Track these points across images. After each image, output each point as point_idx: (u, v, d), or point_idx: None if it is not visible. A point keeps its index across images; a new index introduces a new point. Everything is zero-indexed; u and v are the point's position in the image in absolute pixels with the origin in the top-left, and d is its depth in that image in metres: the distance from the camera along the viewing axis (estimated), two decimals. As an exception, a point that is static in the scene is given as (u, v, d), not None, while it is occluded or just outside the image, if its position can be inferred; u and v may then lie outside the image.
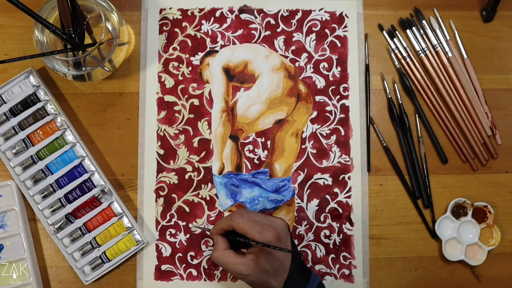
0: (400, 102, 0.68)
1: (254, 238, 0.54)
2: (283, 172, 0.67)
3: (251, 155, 0.67)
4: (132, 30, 0.68)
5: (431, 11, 0.70)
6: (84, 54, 0.60)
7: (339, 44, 0.69)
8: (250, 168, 0.67)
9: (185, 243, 0.66)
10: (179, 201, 0.66)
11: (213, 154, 0.67)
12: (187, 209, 0.66)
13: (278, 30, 0.69)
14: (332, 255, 0.66)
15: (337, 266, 0.66)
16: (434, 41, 0.69)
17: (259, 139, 0.67)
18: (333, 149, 0.68)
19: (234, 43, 0.68)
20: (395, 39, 0.69)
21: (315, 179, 0.67)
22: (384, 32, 0.70)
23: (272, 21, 0.69)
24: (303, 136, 0.68)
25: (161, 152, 0.67)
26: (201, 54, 0.68)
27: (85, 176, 0.64)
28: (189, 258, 0.66)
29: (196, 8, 0.69)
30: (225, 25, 0.68)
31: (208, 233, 0.66)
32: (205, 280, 0.66)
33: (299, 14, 0.69)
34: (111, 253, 0.64)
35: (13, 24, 0.67)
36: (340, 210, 0.67)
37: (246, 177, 0.67)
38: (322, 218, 0.67)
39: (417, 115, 0.69)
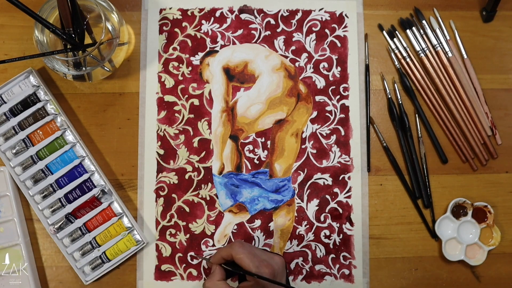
0: (400, 102, 0.68)
1: (251, 271, 0.53)
2: (283, 172, 0.67)
3: (251, 155, 0.67)
4: (132, 30, 0.68)
5: (431, 11, 0.70)
6: (84, 54, 0.60)
7: (339, 44, 0.69)
8: (250, 168, 0.67)
9: (185, 243, 0.66)
10: (179, 201, 0.66)
11: (213, 154, 0.67)
12: (187, 209, 0.66)
13: (278, 30, 0.69)
14: (332, 255, 0.66)
15: (337, 266, 0.66)
16: (434, 41, 0.69)
17: (259, 139, 0.67)
18: (333, 149, 0.68)
19: (234, 43, 0.68)
20: (395, 39, 0.69)
21: (315, 179, 0.67)
22: (384, 32, 0.69)
23: (272, 21, 0.69)
24: (303, 136, 0.68)
25: (161, 152, 0.67)
26: (201, 54, 0.68)
27: (85, 176, 0.64)
28: (189, 258, 0.66)
29: (196, 8, 0.69)
30: (225, 25, 0.68)
31: (206, 262, 0.66)
32: (205, 280, 0.66)
33: (299, 14, 0.69)
34: (111, 253, 0.64)
35: (13, 24, 0.67)
36: (340, 210, 0.67)
37: (246, 177, 0.67)
38: (322, 218, 0.67)
39: (417, 115, 0.69)
